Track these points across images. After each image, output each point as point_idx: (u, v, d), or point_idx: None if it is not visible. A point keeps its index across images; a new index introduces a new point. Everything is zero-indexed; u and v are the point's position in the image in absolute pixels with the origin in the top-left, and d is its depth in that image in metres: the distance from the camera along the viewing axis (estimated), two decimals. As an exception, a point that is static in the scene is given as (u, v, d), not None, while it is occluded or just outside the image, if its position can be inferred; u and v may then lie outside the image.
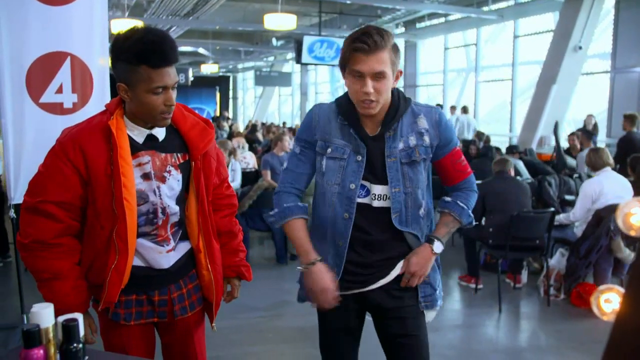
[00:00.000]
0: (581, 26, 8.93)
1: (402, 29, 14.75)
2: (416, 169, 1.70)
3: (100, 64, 3.12)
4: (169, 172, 1.67)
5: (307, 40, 11.61)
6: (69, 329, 1.23)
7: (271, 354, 3.46)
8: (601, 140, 9.47)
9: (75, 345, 1.23)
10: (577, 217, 4.31)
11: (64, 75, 2.96)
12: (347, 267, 1.74)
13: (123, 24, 9.29)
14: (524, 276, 4.74)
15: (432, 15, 13.17)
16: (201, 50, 18.31)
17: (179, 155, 1.70)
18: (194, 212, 1.71)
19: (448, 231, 1.78)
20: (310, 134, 1.75)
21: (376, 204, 1.71)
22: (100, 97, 3.12)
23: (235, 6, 13.33)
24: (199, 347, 1.83)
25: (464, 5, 11.50)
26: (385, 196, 1.70)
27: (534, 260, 4.95)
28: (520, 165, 6.34)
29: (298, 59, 12.05)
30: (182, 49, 19.05)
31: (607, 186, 4.12)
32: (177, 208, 1.70)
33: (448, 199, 1.79)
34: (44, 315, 1.25)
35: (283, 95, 24.31)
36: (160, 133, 1.67)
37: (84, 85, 3.03)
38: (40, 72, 2.89)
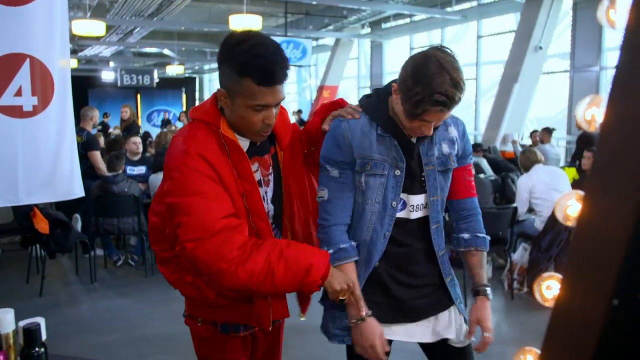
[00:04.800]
0: (541, 27, 9.17)
1: (367, 30, 14.86)
2: (447, 177, 1.66)
3: (61, 66, 3.06)
4: (271, 173, 1.61)
5: (273, 41, 11.56)
6: (30, 333, 1.22)
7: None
8: (561, 137, 9.75)
9: (37, 349, 1.22)
10: (519, 210, 4.56)
11: (23, 77, 2.89)
12: (387, 291, 1.63)
13: (85, 25, 9.12)
14: (489, 271, 4.85)
15: (397, 16, 13.32)
16: (166, 52, 18.06)
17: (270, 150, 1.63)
18: (288, 208, 1.64)
19: (485, 270, 1.72)
20: (345, 153, 1.57)
21: (414, 215, 1.63)
22: (61, 100, 3.07)
23: (201, 7, 13.21)
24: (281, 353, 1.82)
25: (429, 6, 11.67)
26: (421, 205, 1.63)
27: (499, 256, 5.07)
28: (484, 163, 6.48)
29: (264, 60, 11.98)
30: (146, 50, 18.81)
31: (536, 179, 4.46)
32: (273, 208, 1.63)
33: (466, 235, 1.70)
34: (5, 320, 1.23)
35: (251, 96, 24.12)
36: None
37: (44, 87, 2.96)
38: (-2, 74, 2.82)
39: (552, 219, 4.23)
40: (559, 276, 0.75)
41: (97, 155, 5.45)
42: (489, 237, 1.71)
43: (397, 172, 1.58)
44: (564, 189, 4.30)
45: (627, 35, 0.64)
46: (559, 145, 9.70)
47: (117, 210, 4.83)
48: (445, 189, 1.66)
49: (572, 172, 5.94)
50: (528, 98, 9.55)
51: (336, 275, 1.48)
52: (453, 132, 1.66)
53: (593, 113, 0.69)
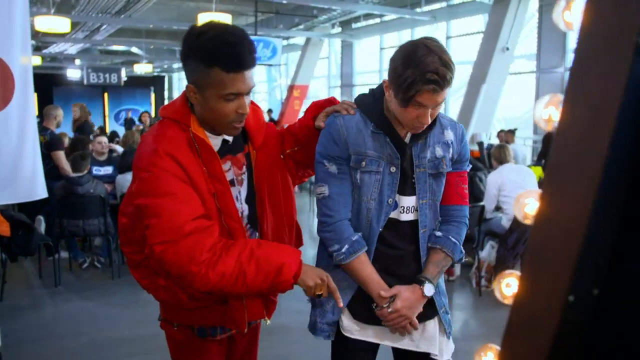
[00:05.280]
0: (508, 28, 9.33)
1: (338, 29, 14.89)
2: (439, 181, 1.63)
3: (23, 63, 2.98)
4: (244, 172, 1.58)
5: (243, 40, 11.48)
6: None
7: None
8: (528, 137, 9.96)
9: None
10: (488, 207, 4.64)
11: (-19, 74, 2.81)
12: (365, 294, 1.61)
13: (48, 21, 8.90)
14: (457, 269, 4.91)
15: (367, 16, 13.38)
16: (134, 50, 17.80)
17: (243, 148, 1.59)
18: (259, 208, 1.60)
19: (439, 271, 1.64)
20: (341, 149, 1.56)
21: (403, 217, 1.61)
22: (23, 98, 2.99)
23: (169, 4, 13.04)
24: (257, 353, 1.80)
25: (399, 7, 11.76)
26: (412, 208, 1.61)
27: (467, 253, 5.14)
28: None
29: (235, 59, 11.89)
30: (113, 48, 18.48)
31: (505, 177, 4.53)
32: (247, 207, 1.60)
33: (439, 233, 1.65)
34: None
35: (221, 95, 23.95)
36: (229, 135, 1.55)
37: (4, 85, 2.88)
38: (-45, 72, 2.73)
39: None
40: (518, 274, 0.75)
41: (61, 156, 5.31)
42: (461, 248, 1.66)
43: (393, 169, 1.57)
44: (531, 188, 4.38)
45: (581, 36, 0.65)
46: (526, 144, 9.90)
47: (83, 212, 4.72)
48: (437, 193, 1.63)
49: (539, 170, 6.07)
50: (495, 98, 9.71)
51: (309, 272, 1.48)
52: (449, 135, 1.64)
53: (550, 113, 0.70)
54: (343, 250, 1.56)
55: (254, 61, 1.39)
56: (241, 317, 1.57)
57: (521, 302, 0.72)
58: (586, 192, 0.65)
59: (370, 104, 1.60)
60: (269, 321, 1.69)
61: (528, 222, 0.74)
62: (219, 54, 1.34)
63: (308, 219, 7.19)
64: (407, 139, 1.58)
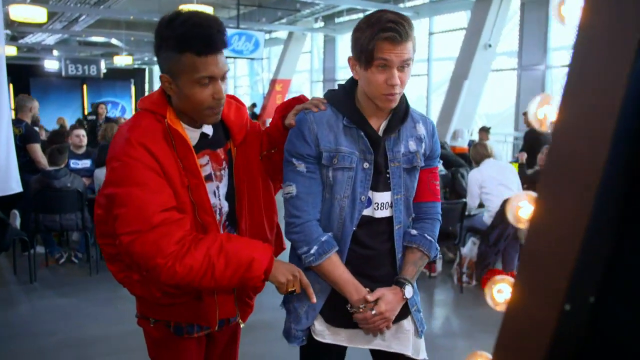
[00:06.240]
0: (490, 25, 9.37)
1: (321, 24, 14.83)
2: (413, 176, 1.60)
3: (-4, 53, 2.89)
4: (225, 168, 1.55)
5: (225, 33, 11.36)
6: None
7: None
8: (509, 133, 10.03)
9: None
10: (471, 204, 4.64)
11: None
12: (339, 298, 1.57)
13: (24, 10, 8.69)
14: (439, 265, 4.92)
15: (350, 11, 13.34)
16: (114, 41, 17.49)
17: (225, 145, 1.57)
18: (237, 206, 1.58)
19: (417, 270, 1.61)
20: (311, 146, 1.52)
21: (378, 214, 1.57)
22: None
23: (150, -4, 12.85)
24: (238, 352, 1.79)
25: (382, 2, 11.74)
26: (386, 204, 1.57)
27: (448, 250, 5.16)
28: (435, 157, 6.57)
29: (217, 52, 11.75)
30: (93, 39, 18.15)
31: (486, 174, 4.53)
32: (227, 204, 1.58)
33: (414, 231, 1.62)
34: None
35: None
36: (209, 129, 1.53)
37: (-25, 76, 2.79)
38: None
39: (500, 214, 4.32)
40: (511, 280, 0.72)
41: (36, 148, 5.19)
42: (436, 245, 1.64)
43: (366, 165, 1.53)
44: (512, 185, 4.40)
45: (580, 33, 0.62)
46: (507, 141, 9.97)
47: (60, 206, 4.61)
48: (410, 188, 1.60)
49: (517, 166, 6.11)
50: (478, 94, 9.76)
51: (280, 267, 1.46)
52: (421, 129, 1.61)
53: (545, 112, 0.67)
54: (312, 251, 1.51)
55: (224, 43, 1.39)
56: (212, 315, 1.56)
57: (514, 310, 0.69)
58: (584, 197, 0.62)
59: (342, 97, 1.57)
60: (243, 323, 1.68)
61: (522, 225, 0.71)
62: (189, 37, 1.34)
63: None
64: (380, 132, 1.55)
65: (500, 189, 4.35)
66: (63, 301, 4.23)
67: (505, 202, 4.38)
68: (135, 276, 1.53)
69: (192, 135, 1.48)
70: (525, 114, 7.53)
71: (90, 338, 3.50)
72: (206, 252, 1.35)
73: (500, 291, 0.75)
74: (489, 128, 8.14)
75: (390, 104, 1.50)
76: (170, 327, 1.60)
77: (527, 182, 4.97)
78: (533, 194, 0.72)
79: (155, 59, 1.57)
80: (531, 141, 6.97)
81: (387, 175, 1.56)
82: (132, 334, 1.68)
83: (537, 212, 0.66)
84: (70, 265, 5.07)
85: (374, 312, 1.52)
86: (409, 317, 1.65)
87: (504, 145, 9.74)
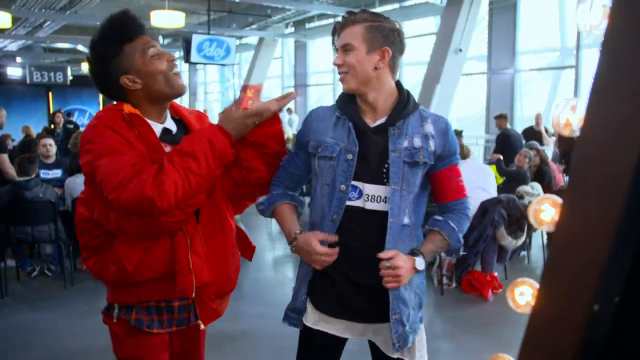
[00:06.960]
0: (460, 30, 9.53)
1: (291, 29, 14.86)
2: (415, 172, 1.60)
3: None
4: None
5: (196, 39, 11.27)
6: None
7: None
8: (480, 136, 10.21)
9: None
10: None
11: None
12: (335, 285, 1.63)
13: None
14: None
15: (321, 16, 13.41)
16: (80, 48, 17.14)
17: None
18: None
19: (434, 250, 1.65)
20: (303, 135, 1.70)
21: (369, 206, 1.59)
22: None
23: (119, 1, 12.63)
24: (203, 351, 1.80)
25: (352, 7, 11.82)
26: (379, 197, 1.59)
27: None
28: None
29: (187, 58, 11.61)
30: (58, 45, 17.76)
31: (464, 176, 4.53)
32: None
33: (439, 217, 1.66)
34: None
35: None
36: (172, 126, 1.66)
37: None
38: None
39: (479, 216, 4.38)
40: (532, 282, 0.73)
41: (4, 159, 5.04)
42: (460, 238, 1.64)
43: (349, 156, 1.59)
44: (490, 188, 4.46)
45: (607, 38, 0.64)
46: (478, 143, 10.15)
47: (32, 218, 4.47)
48: (411, 184, 1.59)
49: (493, 168, 6.21)
50: (449, 98, 9.91)
51: (233, 123, 1.55)
52: (429, 127, 1.63)
53: (568, 117, 0.68)
54: (261, 201, 1.72)
55: (142, 26, 1.59)
56: (189, 283, 1.58)
57: (541, 312, 0.70)
58: (613, 201, 0.63)
59: (344, 94, 1.68)
60: (203, 325, 1.69)
61: (545, 228, 0.71)
62: (118, 33, 1.54)
63: (266, 220, 7.08)
64: (375, 124, 1.61)
65: (477, 192, 4.41)
66: (37, 315, 4.10)
67: (482, 204, 4.45)
68: (111, 257, 1.57)
69: (154, 129, 1.58)
70: (496, 117, 7.68)
71: (68, 351, 3.41)
72: (173, 165, 1.45)
73: (522, 294, 0.75)
74: (461, 131, 8.27)
75: (343, 84, 1.63)
76: (130, 321, 1.62)
77: (508, 176, 5.43)
78: (555, 198, 0.73)
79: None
80: (503, 143, 7.13)
81: (384, 169, 1.58)
82: (111, 347, 1.65)
83: (565, 215, 0.67)
84: (43, 278, 4.92)
85: (388, 264, 1.54)
86: (387, 325, 1.62)
87: (475, 147, 9.90)
